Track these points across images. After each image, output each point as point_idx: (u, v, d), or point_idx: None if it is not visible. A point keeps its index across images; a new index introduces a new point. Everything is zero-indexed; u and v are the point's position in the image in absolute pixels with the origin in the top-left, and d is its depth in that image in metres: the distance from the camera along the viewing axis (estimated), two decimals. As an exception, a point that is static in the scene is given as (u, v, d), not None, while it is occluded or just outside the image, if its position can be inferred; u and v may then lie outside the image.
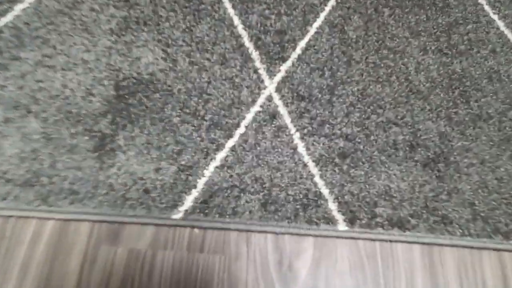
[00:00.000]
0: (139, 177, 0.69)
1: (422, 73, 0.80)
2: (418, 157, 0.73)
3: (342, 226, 0.67)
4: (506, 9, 0.86)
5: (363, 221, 0.67)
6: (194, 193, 0.68)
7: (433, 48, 0.82)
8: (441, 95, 0.78)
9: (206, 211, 0.67)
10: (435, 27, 0.84)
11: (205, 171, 0.70)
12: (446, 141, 0.74)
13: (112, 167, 0.69)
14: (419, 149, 0.73)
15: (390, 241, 0.67)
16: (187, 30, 0.81)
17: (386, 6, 0.85)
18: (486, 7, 0.86)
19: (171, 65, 0.77)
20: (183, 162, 0.70)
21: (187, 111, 0.74)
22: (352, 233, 0.67)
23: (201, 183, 0.69)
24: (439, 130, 0.75)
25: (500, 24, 0.84)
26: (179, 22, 0.81)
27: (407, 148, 0.73)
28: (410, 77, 0.79)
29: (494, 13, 0.85)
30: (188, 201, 0.67)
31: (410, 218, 0.68)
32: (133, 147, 0.70)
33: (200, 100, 0.75)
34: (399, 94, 0.77)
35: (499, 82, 0.79)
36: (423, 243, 0.67)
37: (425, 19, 0.85)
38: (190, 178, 0.69)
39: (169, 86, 0.76)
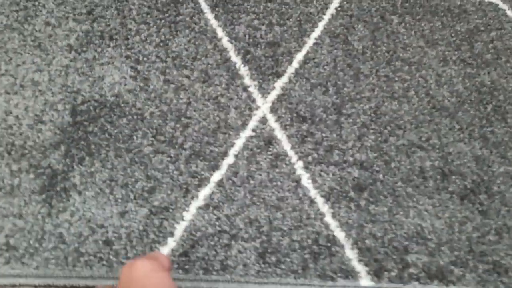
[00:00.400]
0: (98, 225, 0.53)
1: (445, 86, 0.67)
2: (453, 187, 0.58)
3: (366, 281, 0.51)
4: (529, 15, 0.75)
5: (393, 273, 0.51)
6: (171, 243, 0.52)
7: (454, 58, 0.69)
8: (471, 111, 0.64)
9: (187, 266, 0.51)
10: (453, 35, 0.72)
11: (184, 214, 0.54)
12: (485, 167, 0.60)
13: (64, 213, 0.53)
14: (453, 177, 0.59)
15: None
16: (161, 44, 0.67)
17: (394, 14, 0.73)
18: (509, 12, 0.75)
19: (141, 84, 0.63)
20: (156, 203, 0.54)
21: (162, 138, 0.59)
22: (378, 289, 0.51)
23: (179, 229, 0.53)
24: (475, 153, 0.61)
25: (526, 30, 0.73)
26: (151, 36, 0.68)
27: (438, 177, 0.59)
28: (431, 92, 0.66)
29: (517, 20, 0.74)
30: (164, 254, 0.51)
31: (452, 267, 0.52)
32: (92, 185, 0.55)
33: (177, 125, 0.60)
34: (421, 112, 0.64)
35: (536, 95, 0.66)
36: (472, 300, 0.51)
37: (440, 26, 0.73)
38: (165, 223, 0.53)
39: (139, 109, 0.61)
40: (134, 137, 0.59)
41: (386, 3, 0.74)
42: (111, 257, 0.51)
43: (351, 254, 0.52)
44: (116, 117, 0.60)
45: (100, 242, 0.52)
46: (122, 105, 0.61)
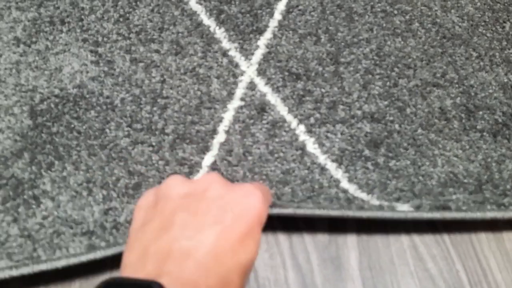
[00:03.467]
0: (77, 221, 0.45)
1: (453, 11, 0.57)
2: (481, 124, 0.50)
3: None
4: None
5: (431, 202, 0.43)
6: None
7: (457, -23, 0.60)
8: (487, 34, 0.55)
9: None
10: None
11: (178, 208, 0.46)
12: (515, 94, 0.51)
13: (33, 218, 0.45)
14: (480, 112, 0.51)
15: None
16: (121, 19, 0.58)
17: None
18: None
19: (106, 69, 0.54)
20: (143, 202, 0.47)
21: (139, 126, 0.51)
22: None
23: (175, 227, 0.45)
24: (500, 81, 0.52)
25: None
26: (108, 12, 0.59)
27: (463, 115, 0.50)
28: (438, 20, 0.57)
29: None
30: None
31: (502, 199, 0.44)
32: (66, 190, 0.47)
33: (154, 108, 0.52)
34: (430, 45, 0.55)
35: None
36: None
37: None
38: (157, 223, 0.46)
39: (107, 97, 0.53)
40: (107, 130, 0.50)
41: None
42: (92, 242, 0.43)
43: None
44: (83, 111, 0.52)
45: (79, 234, 0.44)
46: (87, 96, 0.53)
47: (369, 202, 0.44)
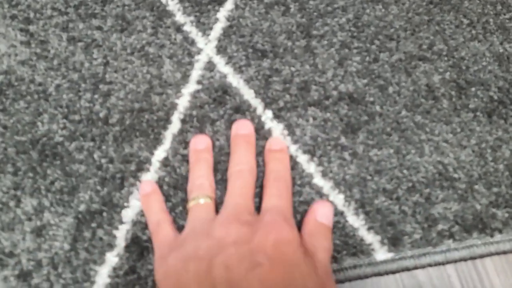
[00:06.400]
0: (6, 253, 0.38)
1: (440, -28, 0.50)
2: (474, 102, 0.43)
3: (382, 254, 0.37)
4: None
5: (416, 236, 0.38)
6: (111, 259, 0.38)
7: None
8: (480, -3, 0.48)
9: (137, 287, 0.37)
10: None
11: (124, 213, 0.40)
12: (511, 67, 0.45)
13: None
14: (473, 89, 0.44)
15: (473, 258, 0.37)
16: (57, -9, 0.50)
17: None
18: None
19: (38, 50, 0.46)
20: (82, 207, 0.40)
21: (77, 118, 0.43)
22: (400, 261, 0.37)
23: (120, 236, 0.39)
24: (494, 51, 0.46)
25: None
26: (42, -17, 0.50)
27: (453, 93, 0.44)
28: (423, -17, 0.49)
29: None
30: (102, 276, 0.37)
31: (494, 210, 0.39)
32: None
33: (95, 96, 0.44)
34: (415, 12, 0.48)
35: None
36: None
37: None
38: (99, 232, 0.39)
39: (39, 84, 0.45)
40: (39, 124, 0.43)
41: None
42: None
43: (355, 221, 0.39)
44: (10, 102, 0.44)
45: (13, 278, 0.37)
46: (16, 83, 0.45)
47: (346, 219, 0.38)
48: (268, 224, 0.32)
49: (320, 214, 0.36)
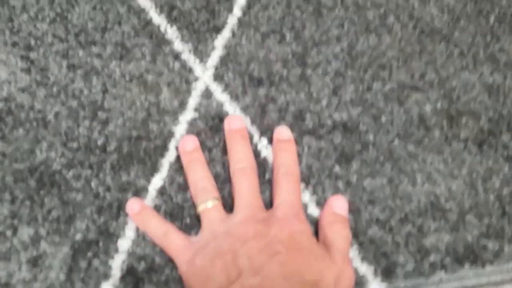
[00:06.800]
0: (2, 284, 0.38)
1: (432, 3, 0.51)
2: (465, 132, 0.44)
3: (375, 285, 0.38)
4: None
5: (409, 267, 0.39)
6: None
7: (436, -36, 0.53)
8: (470, 28, 0.49)
9: (133, 316, 0.38)
10: None
11: (120, 243, 0.40)
12: (502, 97, 0.46)
13: None
14: (463, 119, 0.45)
15: (465, 288, 0.38)
16: (58, 19, 0.50)
17: None
18: None
19: (38, 77, 0.47)
20: (78, 236, 0.40)
21: (75, 145, 0.44)
22: (394, 290, 0.38)
23: (116, 266, 0.39)
24: (485, 82, 0.47)
25: None
26: (43, 10, 0.51)
27: (445, 122, 0.45)
28: (415, 13, 0.50)
29: None
30: None
31: (485, 241, 0.39)
32: (-10, 229, 0.40)
33: (94, 123, 0.45)
34: (407, 42, 0.49)
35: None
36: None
37: None
38: (95, 262, 0.39)
39: (39, 111, 0.45)
40: (37, 151, 0.43)
41: None
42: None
43: (349, 252, 0.39)
44: (9, 129, 0.44)
45: None
46: (16, 110, 0.45)
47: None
48: (280, 220, 0.36)
49: (336, 206, 0.39)
